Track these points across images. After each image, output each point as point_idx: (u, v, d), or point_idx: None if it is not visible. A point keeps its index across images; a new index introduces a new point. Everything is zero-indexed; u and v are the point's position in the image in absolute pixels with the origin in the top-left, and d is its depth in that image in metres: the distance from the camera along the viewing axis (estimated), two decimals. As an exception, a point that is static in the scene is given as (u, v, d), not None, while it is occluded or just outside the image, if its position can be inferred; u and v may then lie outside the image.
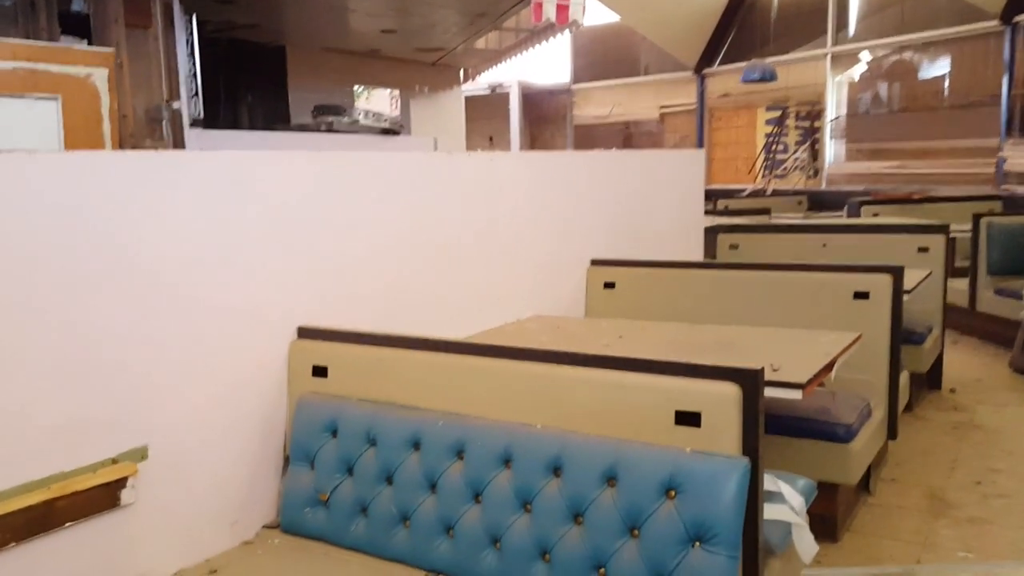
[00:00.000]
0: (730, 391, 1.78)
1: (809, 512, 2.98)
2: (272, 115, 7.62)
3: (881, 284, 3.33)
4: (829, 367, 2.50)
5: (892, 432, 3.43)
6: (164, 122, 4.38)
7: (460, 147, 10.49)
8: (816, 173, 11.47)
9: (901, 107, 10.54)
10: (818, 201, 10.16)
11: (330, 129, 5.37)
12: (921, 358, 4.48)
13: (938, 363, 4.98)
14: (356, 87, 15.80)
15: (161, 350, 2.06)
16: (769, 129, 12.24)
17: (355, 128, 5.49)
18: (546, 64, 15.22)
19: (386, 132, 5.70)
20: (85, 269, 1.90)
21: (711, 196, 11.66)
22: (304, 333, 2.37)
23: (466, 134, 16.04)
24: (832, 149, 11.24)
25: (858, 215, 8.12)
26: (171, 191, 2.09)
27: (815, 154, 11.49)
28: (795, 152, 11.75)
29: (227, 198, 2.23)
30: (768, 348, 2.79)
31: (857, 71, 10.96)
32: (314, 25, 7.56)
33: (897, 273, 3.33)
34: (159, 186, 2.06)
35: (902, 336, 4.39)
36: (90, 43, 4.22)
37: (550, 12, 6.07)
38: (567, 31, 7.90)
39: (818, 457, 2.96)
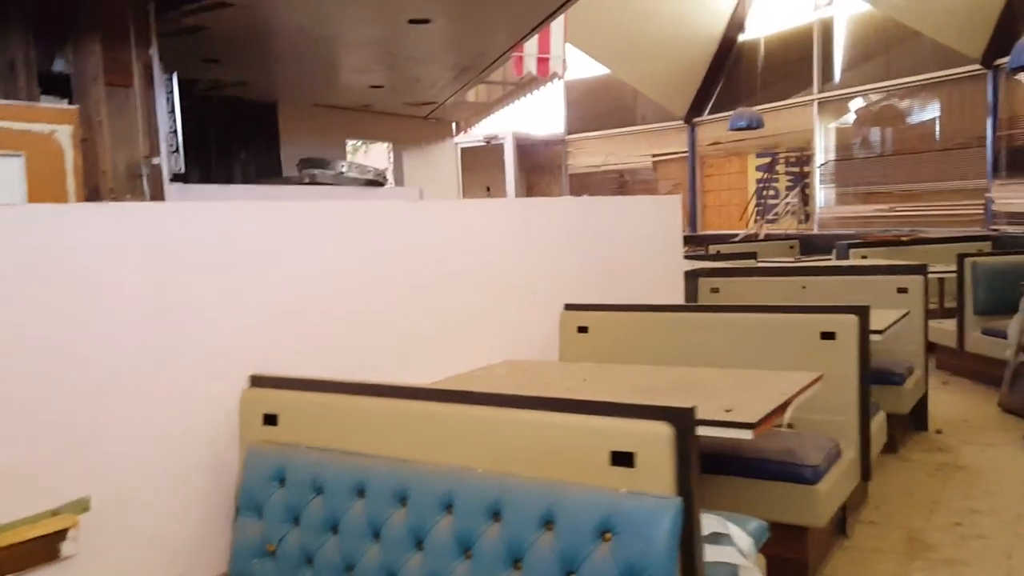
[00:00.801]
0: (662, 430, 1.78)
1: (779, 556, 2.96)
2: (264, 170, 7.73)
3: (847, 324, 3.34)
4: (783, 407, 2.49)
5: (866, 473, 3.39)
6: (144, 177, 4.45)
7: (454, 197, 10.60)
8: (807, 218, 11.53)
9: (889, 151, 10.64)
10: (809, 245, 10.21)
11: (313, 181, 5.45)
12: (901, 399, 4.45)
13: (922, 404, 4.94)
14: (352, 141, 16.06)
15: (108, 399, 2.07)
16: (760, 175, 12.34)
17: (339, 180, 5.58)
18: (541, 115, 15.46)
19: (371, 183, 5.79)
20: (27, 317, 1.93)
21: (704, 241, 11.75)
22: (256, 381, 2.38)
23: (464, 184, 16.24)
24: (822, 194, 11.31)
25: (847, 258, 8.17)
26: (120, 241, 2.12)
27: (806, 199, 11.57)
28: (786, 197, 11.83)
29: (178, 248, 2.26)
30: (728, 389, 2.78)
31: (848, 118, 11.10)
32: (303, 82, 7.72)
33: (863, 313, 3.34)
34: (107, 237, 2.09)
35: (881, 377, 4.41)
36: (71, 102, 4.32)
37: (531, 66, 6.19)
38: (555, 83, 8.04)
39: (784, 499, 2.94)
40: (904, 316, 4.34)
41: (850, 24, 11.09)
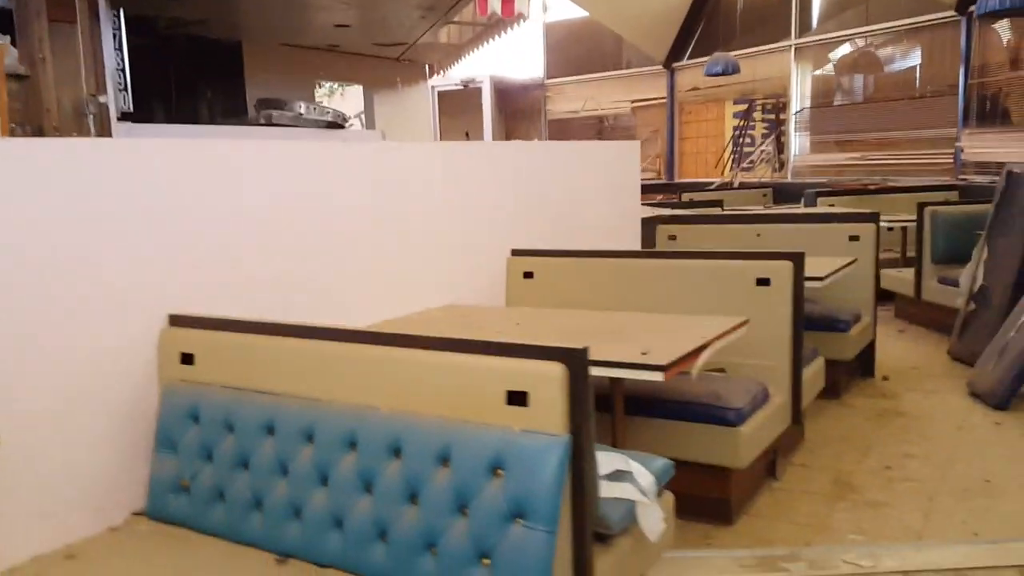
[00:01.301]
0: (555, 371, 1.81)
1: (702, 495, 3.04)
2: (229, 110, 7.63)
3: (782, 270, 3.37)
4: (698, 352, 2.53)
5: (796, 417, 3.46)
6: (90, 116, 4.40)
7: (427, 141, 10.51)
8: (782, 166, 11.51)
9: (864, 98, 10.58)
10: (783, 193, 10.21)
11: (269, 122, 5.38)
12: (845, 345, 4.51)
13: (870, 351, 5.01)
14: (329, 84, 15.83)
15: (20, 338, 2.08)
16: (737, 122, 12.27)
17: (298, 122, 5.51)
18: (521, 59, 15.25)
19: (331, 125, 5.72)
20: (-72, 258, 1.93)
21: (678, 189, 11.74)
22: (175, 320, 2.40)
23: (442, 129, 16.09)
24: (797, 141, 11.27)
25: (815, 206, 8.19)
26: (39, 179, 2.11)
27: (780, 147, 11.53)
28: (761, 145, 11.79)
29: (101, 187, 2.25)
30: (655, 333, 2.83)
31: (825, 65, 11.01)
32: (269, 20, 7.58)
33: (797, 260, 3.37)
34: (24, 175, 2.08)
35: (825, 323, 4.47)
36: (13, 39, 4.24)
37: (495, 5, 6.08)
38: (521, 24, 7.91)
39: (708, 441, 3.00)
40: (850, 264, 4.39)
41: (831, -32, 10.94)
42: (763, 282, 3.41)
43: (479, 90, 15.22)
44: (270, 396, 2.15)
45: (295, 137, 5.43)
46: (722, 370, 3.44)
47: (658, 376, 2.34)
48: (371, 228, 3.28)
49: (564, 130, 15.09)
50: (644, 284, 3.68)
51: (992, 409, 4.37)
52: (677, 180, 13.21)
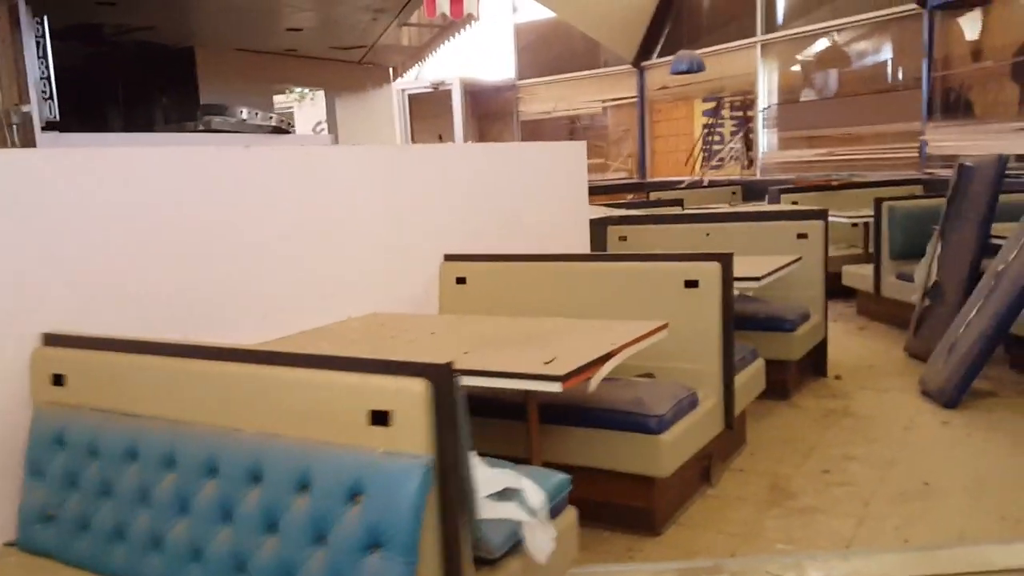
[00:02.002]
0: (418, 387, 1.70)
1: (626, 505, 2.94)
2: (184, 117, 7.49)
3: (710, 272, 3.28)
4: (604, 359, 2.43)
5: (729, 422, 3.37)
6: (13, 127, 4.27)
7: (392, 144, 10.39)
8: (751, 163, 11.45)
9: (830, 94, 10.52)
10: (751, 190, 10.15)
11: (208, 129, 5.26)
12: (791, 345, 4.42)
13: (821, 350, 4.93)
14: (300, 89, 15.68)
15: None
16: (706, 120, 12.21)
17: (241, 127, 5.39)
18: (492, 60, 15.15)
19: (277, 131, 5.61)
20: None
21: (647, 188, 11.67)
22: (49, 340, 2.28)
23: (415, 132, 15.98)
24: (765, 138, 11.21)
25: (778, 203, 8.12)
26: None
27: (749, 144, 11.47)
28: (730, 143, 11.72)
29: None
30: (570, 339, 2.73)
31: (791, 61, 10.95)
32: (220, 25, 7.46)
33: (725, 261, 3.28)
34: None
35: (770, 324, 4.39)
36: (-72, 48, 4.12)
37: (444, 6, 5.98)
38: (472, 25, 7.82)
39: (630, 450, 2.90)
40: (793, 263, 4.30)
41: (796, -36, 10.88)
42: (691, 284, 3.31)
43: (449, 92, 15.11)
44: (134, 419, 2.04)
45: (232, 143, 5.32)
46: (651, 375, 3.34)
47: (556, 387, 2.24)
48: (293, 235, 3.17)
49: (537, 131, 14.99)
50: (577, 288, 3.59)
51: (942, 408, 4.29)
52: (649, 179, 13.14)
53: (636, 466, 2.91)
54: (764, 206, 7.79)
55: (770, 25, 11.01)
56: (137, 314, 2.55)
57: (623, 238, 5.33)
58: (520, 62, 14.89)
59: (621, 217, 5.46)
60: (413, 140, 15.53)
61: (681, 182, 11.67)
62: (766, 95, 11.16)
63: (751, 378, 3.73)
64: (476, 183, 4.25)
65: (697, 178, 11.77)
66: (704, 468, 3.40)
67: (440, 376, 1.72)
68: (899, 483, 3.37)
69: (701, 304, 3.30)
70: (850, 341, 5.94)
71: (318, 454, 1.76)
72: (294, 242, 3.20)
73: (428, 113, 15.57)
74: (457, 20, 6.56)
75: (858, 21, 9.81)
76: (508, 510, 1.96)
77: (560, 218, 4.91)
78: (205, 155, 2.88)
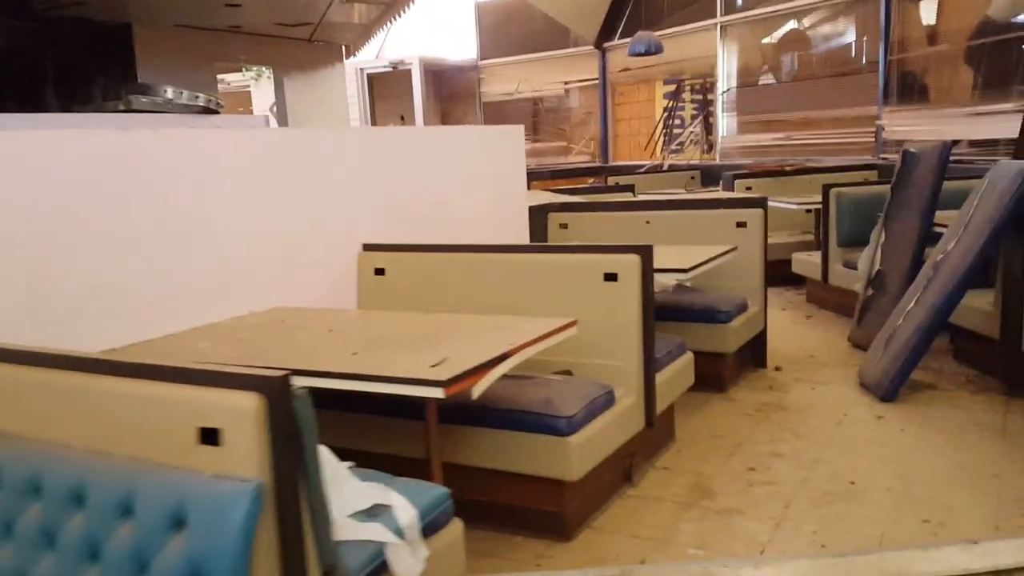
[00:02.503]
0: (249, 403, 1.54)
1: (537, 509, 2.81)
2: (114, 97, 7.22)
3: (629, 265, 3.14)
4: (499, 360, 2.28)
5: (650, 419, 3.24)
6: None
7: (342, 125, 10.15)
8: (711, 148, 11.34)
9: (788, 77, 10.42)
10: (710, 175, 10.04)
11: (129, 109, 5.03)
12: (726, 337, 4.31)
13: (760, 341, 4.82)
14: (257, 68, 15.33)
15: None
16: (666, 104, 12.07)
17: (166, 107, 5.16)
18: (454, 39, 14.89)
19: (206, 111, 5.39)
20: None
21: (607, 172, 11.51)
22: None
23: (377, 113, 15.70)
24: (725, 122, 11.10)
25: (732, 189, 8.01)
26: None
27: (709, 128, 11.35)
28: (690, 126, 11.60)
29: None
30: (475, 337, 2.58)
31: (750, 43, 10.82)
32: (156, 0, 7.18)
33: (645, 253, 3.14)
34: None
35: (703, 315, 4.27)
36: None
37: (382, -18, 5.78)
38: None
39: (538, 452, 2.76)
40: (727, 253, 4.18)
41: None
42: (611, 277, 3.17)
43: (409, 72, 14.84)
44: (-38, 433, 1.86)
45: (156, 124, 5.08)
46: (568, 372, 3.20)
47: (438, 392, 2.09)
48: (192, 225, 2.99)
49: (500, 113, 14.78)
50: (497, 280, 3.44)
51: (878, 401, 4.20)
52: (611, 163, 13.00)
53: (545, 469, 2.77)
54: (710, 193, 7.68)
55: (730, 6, 10.87)
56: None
57: (564, 226, 5.19)
58: (482, 42, 14.65)
59: (562, 204, 5.31)
60: (374, 121, 15.26)
61: (642, 166, 11.55)
62: (726, 78, 11.04)
63: (677, 373, 3.61)
64: (402, 169, 4.07)
65: (658, 163, 11.65)
66: (625, 467, 3.27)
67: (276, 390, 1.56)
68: (823, 483, 3.27)
69: (620, 298, 3.16)
70: (795, 331, 5.85)
71: (144, 476, 1.59)
72: (196, 233, 3.02)
73: (389, 93, 15.29)
74: (397, -3, 6.36)
75: (818, 3, 9.70)
76: (372, 530, 1.81)
77: (496, 205, 4.75)
78: (80, 139, 2.68)
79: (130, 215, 2.80)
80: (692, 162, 11.19)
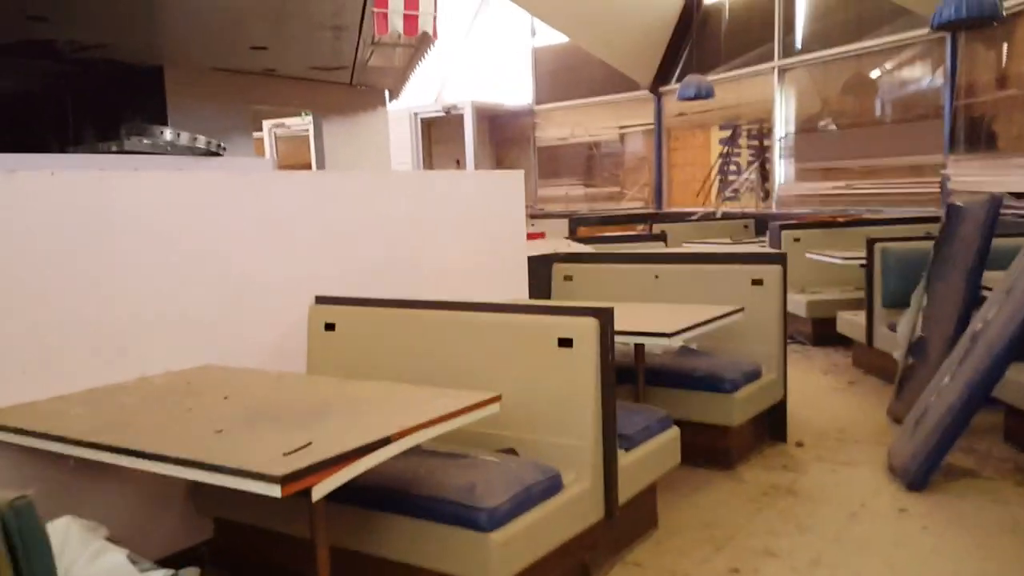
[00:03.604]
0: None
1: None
2: (119, 136, 7.21)
3: (585, 329, 2.74)
4: (371, 448, 1.92)
5: (610, 509, 2.80)
6: None
7: (384, 169, 10.03)
8: (767, 195, 10.78)
9: (849, 123, 9.84)
10: (765, 224, 9.49)
11: (121, 150, 4.92)
12: (731, 409, 3.83)
13: (779, 412, 4.31)
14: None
15: None
16: (721, 149, 11.58)
17: (170, 149, 5.04)
18: (512, 85, 14.77)
19: (209, 153, 5.26)
20: None
21: (659, 219, 11.05)
22: None
23: (432, 156, 15.66)
24: (783, 169, 10.54)
25: (778, 241, 7.50)
26: None
27: (765, 174, 10.80)
28: (746, 173, 11.07)
29: None
30: (366, 414, 2.22)
31: (809, 86, 10.30)
32: (181, 43, 7.19)
33: (604, 316, 2.74)
34: None
35: (705, 383, 3.82)
36: None
37: (396, 23, 5.59)
38: (433, 46, 7.41)
39: (453, 549, 2.37)
40: (730, 315, 3.73)
41: (817, -14, 10.25)
42: (565, 343, 2.78)
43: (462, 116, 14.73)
44: None
45: (152, 166, 4.96)
46: (512, 451, 2.81)
47: (274, 491, 1.74)
48: (141, 271, 2.77)
49: (554, 157, 14.54)
50: (446, 341, 3.09)
51: (905, 490, 3.64)
52: (664, 209, 12.54)
53: (460, 569, 2.37)
54: (750, 245, 7.19)
55: (788, 50, 10.38)
56: None
57: (568, 278, 4.82)
58: (538, 87, 14.47)
59: (567, 255, 4.94)
60: (430, 165, 15.19)
61: (693, 213, 11.06)
62: (783, 123, 10.52)
63: (657, 451, 3.17)
64: (383, 216, 3.79)
65: (711, 210, 11.15)
66: (581, 563, 2.84)
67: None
68: (815, 594, 2.77)
69: (574, 367, 2.76)
70: (832, 398, 5.29)
71: None
72: (142, 279, 2.81)
73: (445, 137, 15.23)
74: (411, 38, 6.16)
75: (878, 46, 9.15)
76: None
77: (490, 256, 4.41)
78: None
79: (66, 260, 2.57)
80: (747, 210, 10.66)
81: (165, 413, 2.33)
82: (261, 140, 13.33)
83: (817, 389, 5.56)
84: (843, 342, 6.51)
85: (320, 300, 3.44)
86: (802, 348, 6.86)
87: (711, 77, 10.47)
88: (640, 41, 11.99)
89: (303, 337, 3.43)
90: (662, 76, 12.43)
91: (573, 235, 10.44)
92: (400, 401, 2.37)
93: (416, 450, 2.46)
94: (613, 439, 2.81)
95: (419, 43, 7.01)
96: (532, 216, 14.03)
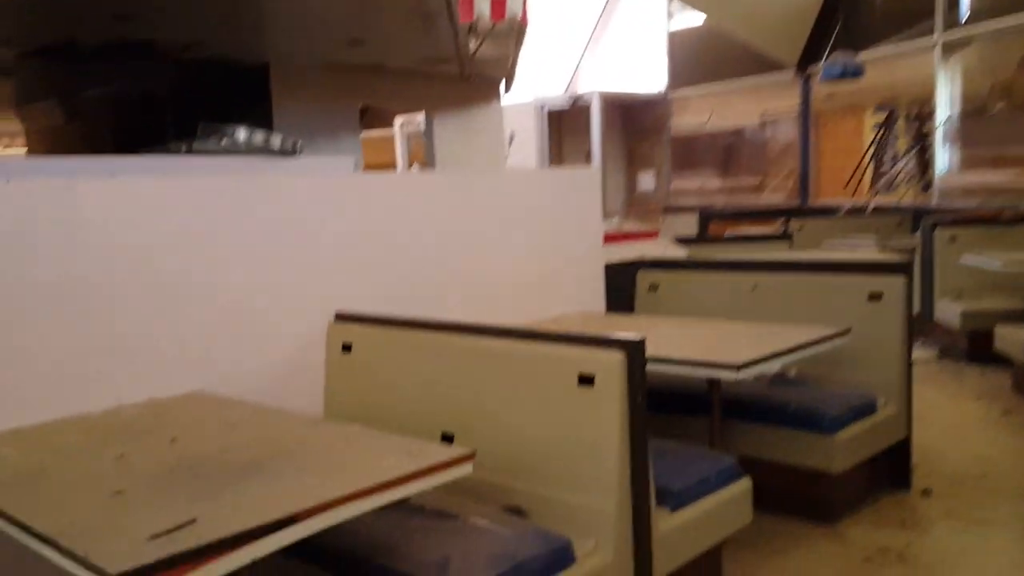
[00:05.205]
0: None
1: None
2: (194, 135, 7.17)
3: (610, 365, 2.21)
4: (267, 531, 1.51)
5: (643, 586, 2.27)
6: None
7: (497, 167, 9.67)
8: (928, 186, 9.56)
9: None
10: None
11: (190, 151, 4.80)
12: (830, 452, 3.15)
13: (901, 454, 3.57)
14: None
15: None
16: (873, 136, 10.41)
17: (234, 149, 4.90)
18: (645, 72, 14.05)
19: (283, 153, 5.07)
20: None
21: (802, 214, 10.04)
22: None
23: (562, 150, 15.17)
24: (945, 157, 9.31)
25: (931, 240, 6.54)
26: None
27: (925, 164, 9.59)
28: (903, 162, 9.88)
29: None
30: (306, 474, 1.82)
31: (977, 63, 9.03)
32: (281, 38, 7.10)
33: (632, 350, 2.20)
34: None
35: (798, 420, 3.18)
36: None
37: (483, 7, 5.19)
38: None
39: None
40: (830, 339, 3.06)
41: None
42: (586, 380, 2.26)
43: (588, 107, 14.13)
44: None
45: (218, 167, 4.80)
46: (519, 510, 2.32)
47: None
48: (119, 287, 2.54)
49: (688, 147, 13.68)
50: (460, 369, 2.65)
51: (1058, 565, 2.87)
52: (810, 204, 11.46)
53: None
54: (863, 249, 6.29)
55: (952, 22, 9.14)
56: None
57: (653, 287, 4.26)
58: (674, 73, 13.64)
59: (655, 261, 4.36)
60: (559, 160, 14.70)
61: (840, 208, 10.00)
62: (947, 105, 9.28)
63: (714, 511, 2.59)
64: (428, 223, 3.40)
65: (860, 203, 10.03)
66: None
67: None
68: None
69: (596, 409, 2.24)
70: (979, 432, 4.43)
71: None
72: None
73: (576, 129, 14.68)
74: (499, 22, 5.74)
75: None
76: None
77: (553, 265, 3.91)
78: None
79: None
80: (903, 203, 9.51)
81: (90, 461, 2.01)
82: (386, 139, 13.29)
83: (963, 418, 4.70)
84: (1007, 361, 5.53)
85: (340, 317, 3.08)
86: (954, 365, 5.90)
87: (864, 55, 9.39)
88: (785, 17, 10.97)
89: (322, 357, 3.09)
90: (810, 55, 11.31)
91: (703, 232, 9.70)
92: (356, 454, 1.95)
93: (403, 504, 2.05)
94: (646, 499, 2.26)
95: (517, 29, 6.58)
96: (665, 211, 13.30)
